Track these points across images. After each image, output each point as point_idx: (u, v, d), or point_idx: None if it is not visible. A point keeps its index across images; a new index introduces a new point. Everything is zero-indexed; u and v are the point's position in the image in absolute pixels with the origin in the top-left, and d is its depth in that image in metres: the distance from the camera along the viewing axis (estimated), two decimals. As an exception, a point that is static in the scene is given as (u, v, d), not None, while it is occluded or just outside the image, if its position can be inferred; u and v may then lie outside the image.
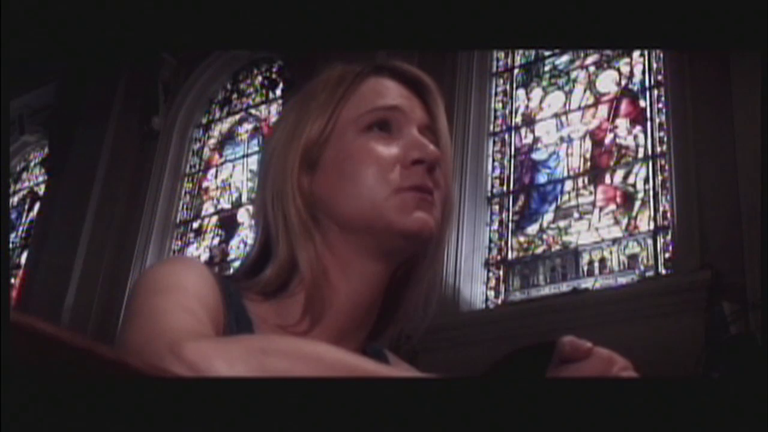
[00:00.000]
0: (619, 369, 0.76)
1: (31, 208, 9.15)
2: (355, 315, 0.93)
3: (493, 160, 6.40)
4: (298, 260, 0.91)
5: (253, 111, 8.14)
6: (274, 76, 8.05)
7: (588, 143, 6.13)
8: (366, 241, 0.92)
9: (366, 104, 0.96)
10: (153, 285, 0.84)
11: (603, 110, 6.20)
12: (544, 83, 6.59)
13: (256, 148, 7.78)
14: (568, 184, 6.06)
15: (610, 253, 5.62)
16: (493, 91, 6.68)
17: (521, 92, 6.64)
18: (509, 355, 5.04)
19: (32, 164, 9.51)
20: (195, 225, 7.88)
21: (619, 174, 5.90)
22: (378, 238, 0.92)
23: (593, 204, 5.89)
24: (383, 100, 0.96)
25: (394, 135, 0.95)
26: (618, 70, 6.28)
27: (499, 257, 6.02)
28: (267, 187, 0.96)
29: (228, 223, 7.69)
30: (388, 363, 1.00)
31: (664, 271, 5.35)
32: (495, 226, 6.15)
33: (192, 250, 7.68)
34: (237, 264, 6.05)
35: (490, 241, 6.10)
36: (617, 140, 6.01)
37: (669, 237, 5.40)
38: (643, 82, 6.11)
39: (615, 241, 5.64)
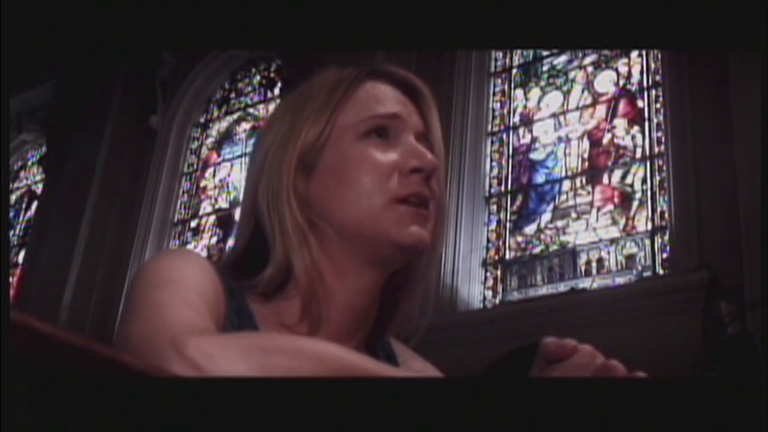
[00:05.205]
0: (603, 361, 0.77)
1: (28, 207, 9.14)
2: (353, 317, 0.94)
3: (491, 160, 6.40)
4: (294, 265, 0.91)
5: (251, 110, 8.13)
6: (272, 75, 8.05)
7: (586, 143, 6.13)
8: (361, 248, 0.92)
9: (365, 110, 0.96)
10: (153, 278, 0.84)
11: (601, 110, 6.20)
12: (542, 83, 6.59)
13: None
14: (566, 184, 6.06)
15: (608, 253, 5.62)
16: (491, 91, 6.68)
17: (519, 92, 6.64)
18: (507, 354, 5.04)
19: (30, 162, 9.51)
20: (193, 224, 7.88)
21: (617, 174, 5.90)
22: (373, 247, 0.92)
23: (591, 204, 5.89)
24: (383, 108, 0.96)
25: (392, 142, 0.95)
26: (616, 70, 6.28)
27: (496, 257, 6.02)
28: (261, 188, 0.95)
29: (226, 222, 7.68)
30: (395, 355, 1.01)
31: (661, 272, 5.35)
32: (493, 225, 6.15)
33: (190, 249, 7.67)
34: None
35: (488, 240, 6.10)
36: (615, 140, 6.02)
37: (667, 237, 5.40)
38: (641, 82, 6.11)
39: (613, 241, 5.64)
